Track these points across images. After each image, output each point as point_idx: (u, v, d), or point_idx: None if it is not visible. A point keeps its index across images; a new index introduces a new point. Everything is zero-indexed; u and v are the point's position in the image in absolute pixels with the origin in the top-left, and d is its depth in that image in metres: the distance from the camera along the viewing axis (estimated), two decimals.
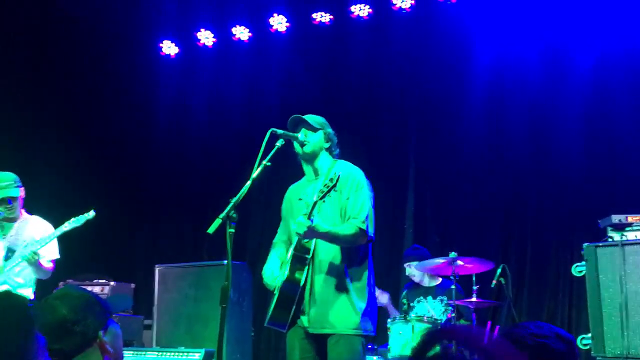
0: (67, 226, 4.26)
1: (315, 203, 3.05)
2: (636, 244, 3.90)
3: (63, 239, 4.52)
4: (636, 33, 5.60)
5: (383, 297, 5.38)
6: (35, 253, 4.14)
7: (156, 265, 5.48)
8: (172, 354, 4.61)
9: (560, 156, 5.85)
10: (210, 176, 7.28)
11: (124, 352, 4.53)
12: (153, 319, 5.37)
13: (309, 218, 3.03)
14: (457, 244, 5.24)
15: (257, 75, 7.29)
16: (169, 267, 5.46)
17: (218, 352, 2.79)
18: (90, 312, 1.74)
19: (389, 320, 4.65)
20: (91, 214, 4.26)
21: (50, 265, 4.36)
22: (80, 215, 4.27)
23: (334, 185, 3.05)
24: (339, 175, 3.06)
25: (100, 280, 5.61)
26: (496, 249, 5.92)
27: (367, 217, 3.20)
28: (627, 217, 4.04)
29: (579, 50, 5.83)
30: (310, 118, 3.40)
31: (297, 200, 3.43)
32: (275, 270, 3.32)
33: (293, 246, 3.22)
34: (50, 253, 4.37)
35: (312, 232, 3.06)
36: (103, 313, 1.79)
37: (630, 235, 3.99)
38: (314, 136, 3.36)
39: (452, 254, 4.67)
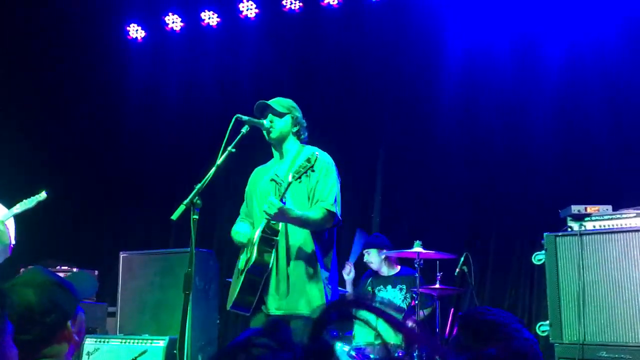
0: (18, 208, 4.15)
1: (289, 184, 3.03)
2: (594, 233, 4.00)
3: (25, 225, 4.42)
4: (606, 24, 5.70)
5: (351, 274, 5.48)
6: None
7: (121, 252, 5.42)
8: (136, 341, 4.58)
9: (526, 147, 5.96)
10: (178, 162, 7.20)
11: (87, 339, 4.49)
12: (117, 306, 5.32)
13: (281, 200, 3.01)
14: (423, 233, 5.31)
15: (226, 61, 7.23)
16: (134, 254, 5.40)
17: (180, 337, 2.78)
18: (60, 302, 1.65)
19: None
20: (42, 195, 4.15)
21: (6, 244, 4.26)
22: (31, 197, 4.16)
23: (312, 166, 3.00)
24: (316, 157, 3.02)
25: (62, 267, 5.52)
26: (460, 237, 6.01)
27: (335, 200, 3.22)
28: (586, 208, 4.14)
29: (550, 41, 5.91)
30: (276, 102, 3.39)
31: (266, 181, 3.41)
32: (245, 231, 3.31)
33: (261, 228, 3.21)
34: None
35: (282, 215, 3.04)
36: (72, 301, 1.70)
37: (589, 225, 4.09)
38: (279, 122, 3.36)
39: (417, 244, 4.73)
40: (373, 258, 5.35)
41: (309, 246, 3.23)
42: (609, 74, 5.69)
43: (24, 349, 1.54)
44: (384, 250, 5.30)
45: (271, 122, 3.34)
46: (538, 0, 5.96)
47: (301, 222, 3.16)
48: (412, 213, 6.30)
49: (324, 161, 3.31)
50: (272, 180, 3.34)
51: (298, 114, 3.42)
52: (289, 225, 3.22)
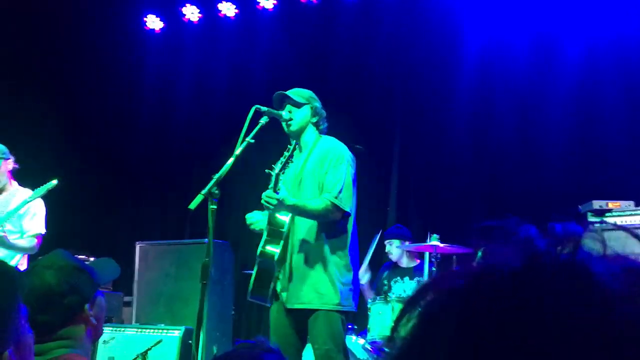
0: (29, 197, 4.16)
1: (277, 176, 3.03)
2: (615, 229, 3.94)
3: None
4: (624, 22, 5.62)
5: (364, 277, 5.39)
6: None
7: (137, 242, 5.44)
8: (152, 331, 4.59)
9: (545, 141, 5.88)
10: (194, 152, 7.21)
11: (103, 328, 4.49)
12: (133, 296, 5.35)
13: (274, 191, 3.00)
14: (439, 226, 5.27)
15: (243, 52, 7.22)
16: (150, 244, 5.43)
17: (197, 327, 2.78)
18: (79, 284, 1.68)
19: (369, 300, 4.67)
20: (53, 182, 4.15)
21: (35, 241, 4.28)
22: (42, 185, 4.17)
23: (290, 155, 3.07)
24: (294, 146, 3.10)
25: (79, 257, 5.55)
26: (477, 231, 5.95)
27: (341, 192, 3.16)
28: (607, 203, 4.08)
29: (567, 38, 5.84)
30: (295, 93, 3.35)
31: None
32: (260, 217, 3.31)
33: (266, 220, 3.20)
34: (34, 227, 4.27)
35: (280, 205, 3.04)
36: (91, 285, 1.72)
37: (610, 221, 4.03)
38: (299, 113, 3.32)
39: (434, 237, 4.69)
40: (394, 249, 5.33)
41: (318, 237, 3.20)
42: (628, 68, 5.60)
43: (40, 329, 1.56)
44: (406, 242, 5.27)
45: (290, 112, 3.31)
46: None
47: (298, 210, 3.14)
48: (428, 206, 6.26)
49: (336, 152, 3.27)
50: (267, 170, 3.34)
51: (317, 104, 3.38)
52: (297, 218, 3.20)
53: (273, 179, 3.06)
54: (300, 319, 3.21)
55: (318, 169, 3.20)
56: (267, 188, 3.07)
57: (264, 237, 3.20)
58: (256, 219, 3.30)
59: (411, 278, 5.26)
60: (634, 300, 0.45)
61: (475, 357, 0.43)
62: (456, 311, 0.46)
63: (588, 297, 0.44)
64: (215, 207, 2.88)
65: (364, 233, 6.11)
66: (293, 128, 3.30)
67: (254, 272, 3.23)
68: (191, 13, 7.35)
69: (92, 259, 5.58)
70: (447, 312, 0.47)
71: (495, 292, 0.46)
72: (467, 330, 0.44)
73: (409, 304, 0.49)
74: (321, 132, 3.41)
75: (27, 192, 4.32)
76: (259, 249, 3.19)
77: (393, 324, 0.50)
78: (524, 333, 0.43)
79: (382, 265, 5.59)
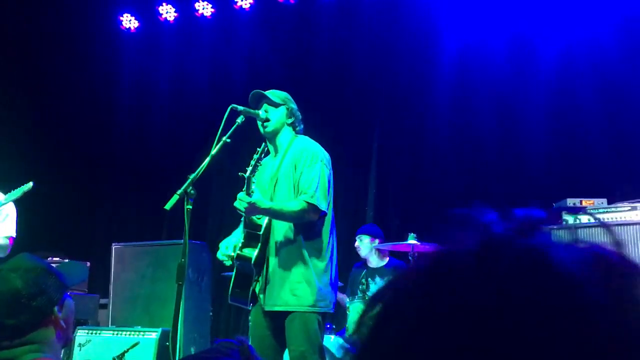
0: (4, 199, 4.10)
1: (249, 179, 3.00)
2: (589, 227, 4.00)
3: (18, 216, 4.38)
4: (599, 23, 5.71)
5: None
6: None
7: (113, 244, 5.38)
8: (128, 333, 4.54)
9: (522, 141, 5.95)
10: (171, 153, 7.15)
11: (78, 331, 4.43)
12: (109, 297, 5.28)
13: (248, 194, 2.98)
14: (417, 226, 5.29)
15: (220, 52, 7.18)
16: (126, 245, 5.36)
17: (173, 329, 2.75)
18: (47, 286, 1.65)
19: (347, 300, 4.67)
20: (29, 185, 4.10)
21: (7, 242, 4.22)
22: (18, 188, 4.12)
23: (259, 158, 3.04)
24: (263, 148, 3.06)
25: (54, 258, 5.47)
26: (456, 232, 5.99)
27: (317, 191, 3.13)
28: (581, 201, 4.14)
29: (544, 39, 5.92)
30: (272, 93, 3.34)
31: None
32: (230, 245, 3.28)
33: (243, 223, 3.18)
34: (6, 230, 4.21)
35: (254, 208, 3.01)
36: (59, 287, 1.70)
37: (584, 219, 4.08)
38: (275, 113, 3.30)
39: (411, 236, 4.71)
40: (364, 245, 5.28)
41: (295, 239, 3.17)
42: (603, 70, 5.69)
43: (9, 333, 1.53)
44: (377, 240, 5.24)
45: (266, 112, 3.29)
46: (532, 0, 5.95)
47: (275, 213, 3.10)
48: (407, 206, 6.29)
49: (309, 152, 3.24)
50: (240, 173, 3.31)
51: (293, 105, 3.36)
52: (275, 220, 3.18)
53: (246, 182, 3.03)
54: (278, 321, 3.18)
55: (292, 170, 3.19)
56: (241, 191, 3.05)
57: (241, 240, 3.18)
58: (224, 248, 3.26)
59: (382, 277, 5.24)
60: (604, 286, 0.43)
61: (433, 344, 0.43)
62: (415, 300, 0.45)
63: (544, 282, 0.43)
64: (191, 207, 2.85)
65: (342, 234, 6.14)
66: (269, 129, 3.28)
67: (232, 275, 3.21)
68: (167, 12, 7.29)
69: (66, 261, 5.52)
70: (406, 302, 0.46)
71: (450, 278, 0.45)
72: (425, 318, 0.44)
73: (371, 300, 0.49)
74: (297, 134, 3.39)
75: None
76: (236, 251, 3.17)
77: (356, 322, 0.49)
78: (475, 320, 0.42)
79: (355, 264, 5.55)
